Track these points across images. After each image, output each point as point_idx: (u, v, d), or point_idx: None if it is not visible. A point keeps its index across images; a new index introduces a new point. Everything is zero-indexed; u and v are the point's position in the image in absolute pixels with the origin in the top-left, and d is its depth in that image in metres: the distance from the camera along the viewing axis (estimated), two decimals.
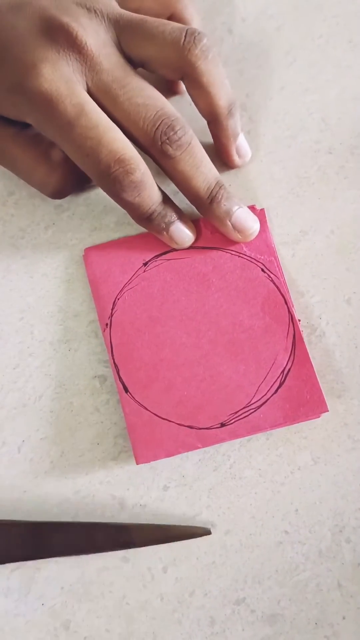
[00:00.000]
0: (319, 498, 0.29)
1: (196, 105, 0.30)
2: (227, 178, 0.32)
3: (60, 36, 0.27)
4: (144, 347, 0.29)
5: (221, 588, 0.28)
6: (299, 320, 0.30)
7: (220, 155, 0.32)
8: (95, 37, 0.28)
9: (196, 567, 0.28)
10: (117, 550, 0.28)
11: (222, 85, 0.29)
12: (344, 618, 0.28)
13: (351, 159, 0.32)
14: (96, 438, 0.30)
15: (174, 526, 0.28)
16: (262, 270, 0.30)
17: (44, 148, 0.30)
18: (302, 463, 0.29)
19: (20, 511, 0.29)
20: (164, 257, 0.31)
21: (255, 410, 0.28)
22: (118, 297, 0.30)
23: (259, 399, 0.28)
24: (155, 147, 0.28)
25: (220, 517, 0.29)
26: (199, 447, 0.28)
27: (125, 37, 0.28)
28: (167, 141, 0.27)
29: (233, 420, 0.28)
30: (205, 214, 0.30)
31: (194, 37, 0.27)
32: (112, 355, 0.29)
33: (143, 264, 0.31)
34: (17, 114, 0.28)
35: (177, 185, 0.29)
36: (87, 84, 0.28)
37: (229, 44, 0.34)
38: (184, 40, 0.27)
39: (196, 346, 0.29)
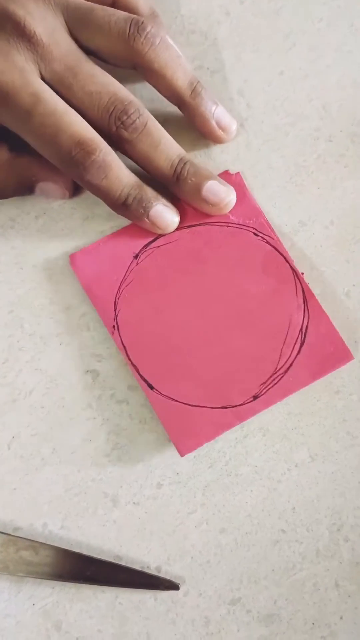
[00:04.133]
0: (317, 496, 0.28)
1: (160, 93, 0.30)
2: (224, 169, 0.31)
3: (8, 25, 0.27)
4: (156, 340, 0.29)
5: (216, 588, 0.28)
6: (303, 274, 0.29)
7: (204, 135, 0.31)
8: (44, 24, 0.27)
9: (190, 566, 0.28)
10: (82, 583, 0.27)
11: (177, 67, 0.29)
12: (341, 618, 0.27)
13: (351, 147, 0.31)
14: (88, 434, 0.29)
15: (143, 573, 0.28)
16: (255, 234, 0.29)
17: None
18: (299, 460, 0.29)
19: (10, 509, 0.28)
20: (153, 245, 0.30)
21: (283, 375, 0.28)
22: (118, 297, 0.29)
23: (285, 363, 0.28)
24: (112, 133, 0.28)
25: (215, 515, 0.28)
26: (237, 424, 0.28)
27: (75, 24, 0.28)
28: (122, 126, 0.28)
29: (264, 390, 0.28)
30: (175, 192, 0.29)
31: (138, 27, 0.28)
32: (128, 355, 0.29)
33: (133, 257, 0.30)
34: None
35: (142, 168, 0.29)
36: (40, 72, 0.28)
37: (226, 26, 0.33)
38: (129, 31, 0.28)
39: (208, 326, 0.29)
